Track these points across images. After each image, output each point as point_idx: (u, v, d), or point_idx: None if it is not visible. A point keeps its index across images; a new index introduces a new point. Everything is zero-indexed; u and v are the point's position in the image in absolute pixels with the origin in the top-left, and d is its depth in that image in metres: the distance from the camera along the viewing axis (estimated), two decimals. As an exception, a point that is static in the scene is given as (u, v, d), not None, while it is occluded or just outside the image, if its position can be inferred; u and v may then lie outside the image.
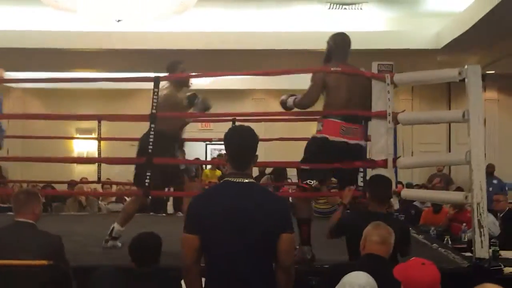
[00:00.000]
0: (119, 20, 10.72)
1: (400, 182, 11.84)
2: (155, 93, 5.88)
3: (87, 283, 4.50)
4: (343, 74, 5.40)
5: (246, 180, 3.25)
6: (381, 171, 5.56)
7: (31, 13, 11.56)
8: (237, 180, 3.25)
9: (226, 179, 3.31)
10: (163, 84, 5.99)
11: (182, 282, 4.13)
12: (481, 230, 4.99)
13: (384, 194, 4.82)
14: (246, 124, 3.75)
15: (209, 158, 15.29)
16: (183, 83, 6.23)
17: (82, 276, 4.47)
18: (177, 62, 6.26)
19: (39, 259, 3.97)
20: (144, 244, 4.17)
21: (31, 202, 4.32)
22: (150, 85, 6.14)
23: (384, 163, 5.71)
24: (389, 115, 5.67)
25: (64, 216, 8.94)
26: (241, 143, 3.29)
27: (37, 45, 11.89)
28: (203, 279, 3.30)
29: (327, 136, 5.33)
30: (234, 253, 3.15)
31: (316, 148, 5.36)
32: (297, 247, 4.98)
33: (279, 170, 10.10)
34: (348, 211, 5.15)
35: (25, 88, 16.51)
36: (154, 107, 5.86)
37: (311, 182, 5.32)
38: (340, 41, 5.57)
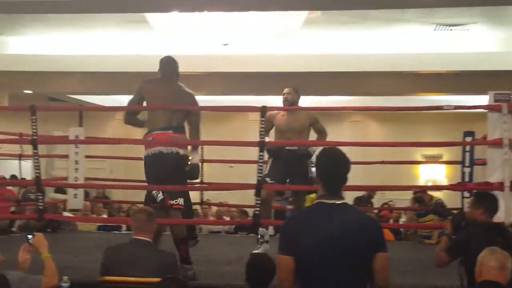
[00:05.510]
0: (225, 44, 11.04)
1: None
2: (262, 122, 6.18)
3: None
4: None
5: (339, 202, 3.27)
6: (497, 194, 5.55)
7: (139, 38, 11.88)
8: (330, 202, 3.26)
9: (318, 200, 3.33)
10: None
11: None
12: None
13: (497, 208, 4.90)
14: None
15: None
16: None
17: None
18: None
19: (155, 276, 4.07)
20: (261, 264, 4.22)
21: (151, 221, 4.47)
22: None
23: (500, 186, 5.79)
24: (506, 145, 5.80)
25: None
26: (333, 166, 3.31)
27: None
28: None
29: None
30: (330, 275, 3.16)
31: None
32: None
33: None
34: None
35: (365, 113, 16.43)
36: (262, 134, 6.16)
37: None
38: None
